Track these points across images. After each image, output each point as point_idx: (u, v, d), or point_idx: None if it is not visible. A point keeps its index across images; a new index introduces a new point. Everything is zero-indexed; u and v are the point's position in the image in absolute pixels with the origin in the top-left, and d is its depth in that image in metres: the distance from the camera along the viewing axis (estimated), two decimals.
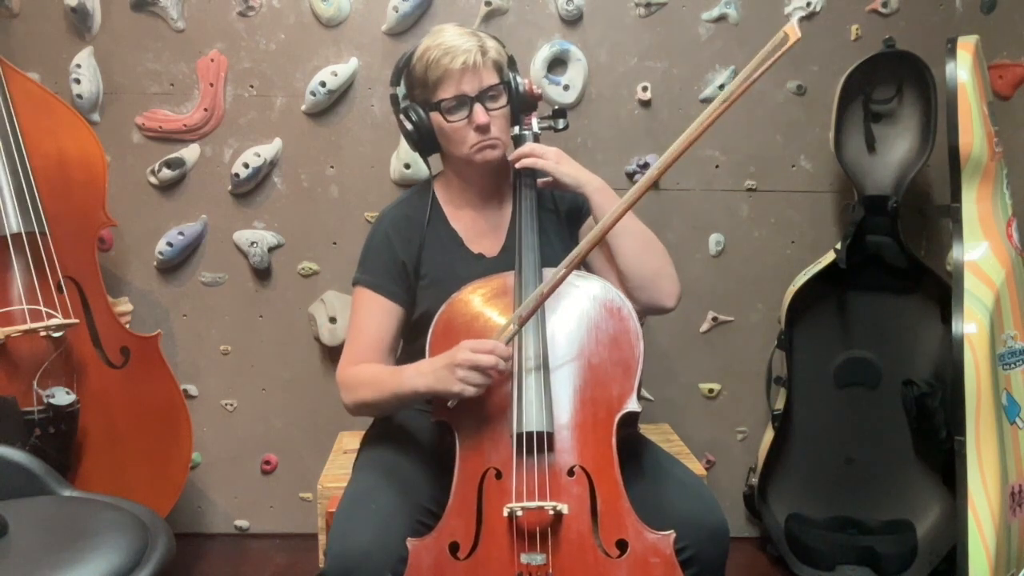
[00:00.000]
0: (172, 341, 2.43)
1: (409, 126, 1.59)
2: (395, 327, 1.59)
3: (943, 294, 2.17)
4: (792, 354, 2.32)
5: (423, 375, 1.40)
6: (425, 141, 1.60)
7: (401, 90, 1.63)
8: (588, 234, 1.62)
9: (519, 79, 1.61)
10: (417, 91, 1.57)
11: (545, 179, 1.59)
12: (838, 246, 2.23)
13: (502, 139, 1.57)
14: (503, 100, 1.55)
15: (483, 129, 1.52)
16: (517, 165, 1.58)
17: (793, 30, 1.15)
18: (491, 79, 1.53)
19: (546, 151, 1.57)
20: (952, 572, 1.91)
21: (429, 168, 1.69)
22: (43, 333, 1.92)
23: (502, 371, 1.36)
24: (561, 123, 1.69)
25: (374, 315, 1.58)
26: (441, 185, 1.69)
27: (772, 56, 1.18)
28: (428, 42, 1.54)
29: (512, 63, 1.63)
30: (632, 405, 1.40)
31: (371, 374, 1.51)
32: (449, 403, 1.38)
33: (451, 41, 1.51)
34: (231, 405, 2.48)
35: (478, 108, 1.51)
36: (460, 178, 1.65)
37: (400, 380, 1.44)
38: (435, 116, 1.55)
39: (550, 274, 1.50)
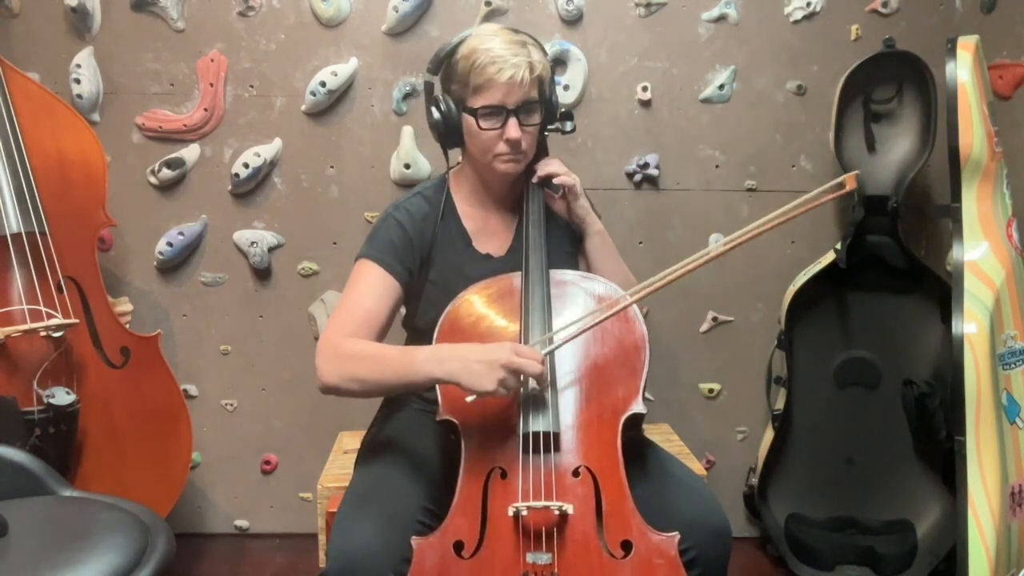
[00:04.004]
0: (172, 341, 2.42)
1: (437, 116, 1.57)
2: (391, 305, 1.55)
3: (943, 294, 2.17)
4: (792, 354, 2.32)
5: (444, 362, 1.34)
6: (450, 134, 1.59)
7: (435, 79, 1.61)
8: (582, 263, 1.71)
9: (555, 94, 1.62)
10: (455, 87, 1.56)
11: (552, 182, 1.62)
12: (838, 246, 2.23)
13: (528, 153, 1.57)
14: (538, 116, 1.56)
15: (514, 143, 1.52)
16: (556, 181, 1.61)
17: (852, 181, 1.24)
18: (532, 94, 1.52)
19: (573, 182, 1.63)
20: (952, 572, 1.91)
21: (447, 160, 1.69)
22: (43, 333, 1.92)
23: (541, 383, 1.36)
24: (569, 125, 1.69)
25: (373, 289, 1.54)
26: (457, 181, 1.69)
27: (822, 197, 1.25)
28: (476, 44, 1.51)
29: (553, 72, 1.63)
30: (638, 407, 1.40)
31: (373, 349, 1.45)
32: (468, 398, 1.33)
33: (501, 50, 1.49)
34: (231, 405, 2.48)
35: (512, 122, 1.51)
36: (478, 177, 1.65)
37: (411, 362, 1.37)
38: (467, 117, 1.54)
39: (556, 276, 1.52)
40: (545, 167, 1.62)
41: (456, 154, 1.69)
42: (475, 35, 1.54)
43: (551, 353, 1.40)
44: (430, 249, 1.61)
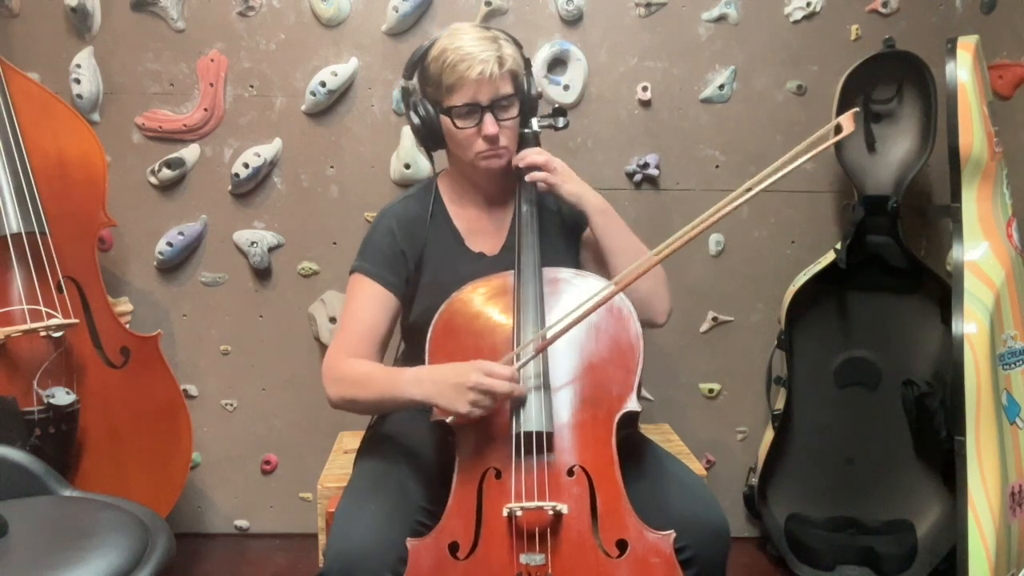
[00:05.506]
0: (172, 341, 2.43)
1: (416, 120, 1.58)
2: (390, 318, 1.58)
3: (943, 294, 2.17)
4: (792, 354, 2.32)
5: (422, 384, 1.39)
6: (431, 137, 1.59)
7: (413, 83, 1.62)
8: (587, 257, 1.68)
9: (533, 84, 1.60)
10: (429, 89, 1.56)
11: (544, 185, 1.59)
12: (838, 246, 2.23)
13: (509, 148, 1.57)
14: (515, 110, 1.55)
15: (492, 139, 1.52)
16: (527, 178, 1.58)
17: (849, 121, 1.14)
18: (506, 89, 1.52)
19: (556, 167, 1.57)
20: (952, 572, 1.91)
21: (432, 163, 1.69)
22: (43, 333, 1.92)
23: (515, 398, 1.35)
24: (561, 122, 1.68)
25: (370, 304, 1.57)
26: (445, 183, 1.69)
27: (820, 144, 1.17)
28: (446, 43, 1.51)
29: (528, 65, 1.62)
30: (632, 405, 1.40)
31: (363, 371, 1.48)
32: (448, 419, 1.37)
33: (469, 47, 1.48)
34: (231, 405, 2.48)
35: (488, 118, 1.51)
36: (465, 177, 1.65)
37: (396, 384, 1.42)
38: (444, 119, 1.54)
39: (550, 274, 1.51)
40: (522, 159, 1.58)
41: (440, 156, 1.68)
42: (445, 35, 1.54)
43: (537, 357, 1.39)
44: (421, 251, 1.61)
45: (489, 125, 1.50)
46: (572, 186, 1.58)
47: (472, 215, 1.66)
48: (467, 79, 1.48)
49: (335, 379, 1.50)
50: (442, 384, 1.36)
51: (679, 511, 1.39)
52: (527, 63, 1.62)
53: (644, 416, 2.45)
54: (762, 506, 2.35)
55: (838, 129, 1.19)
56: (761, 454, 2.35)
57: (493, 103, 1.50)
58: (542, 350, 1.39)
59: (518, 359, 1.38)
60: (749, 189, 1.27)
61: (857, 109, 1.20)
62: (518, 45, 1.58)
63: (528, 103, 1.59)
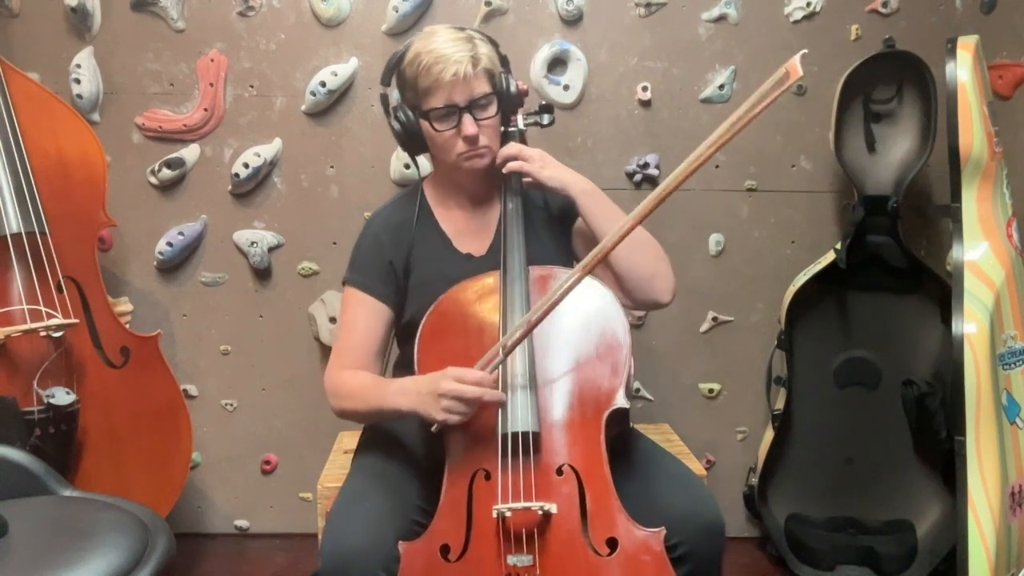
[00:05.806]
0: (172, 341, 2.42)
1: (397, 126, 1.59)
2: (384, 328, 1.60)
3: (943, 294, 2.17)
4: (792, 354, 2.32)
5: (407, 394, 1.40)
6: (413, 142, 1.59)
7: (392, 89, 1.62)
8: (580, 247, 1.65)
9: (511, 81, 1.59)
10: (408, 94, 1.56)
11: (528, 179, 1.58)
12: (838, 246, 2.23)
13: (491, 147, 1.56)
14: (493, 109, 1.54)
15: (471, 139, 1.52)
16: (503, 170, 1.57)
17: (795, 68, 1.10)
18: (482, 88, 1.51)
19: (531, 154, 1.56)
20: (952, 572, 1.91)
21: (417, 167, 1.70)
22: (43, 333, 1.92)
23: (489, 401, 1.35)
24: (546, 118, 1.68)
25: (363, 316, 1.58)
26: (431, 185, 1.69)
27: (772, 93, 1.13)
28: (420, 46, 1.51)
29: (505, 63, 1.62)
30: (621, 401, 1.39)
31: (356, 384, 1.51)
32: (432, 428, 1.37)
33: (443, 49, 1.48)
34: (231, 405, 2.48)
35: (467, 119, 1.50)
36: (449, 180, 1.65)
37: (384, 395, 1.45)
38: (424, 122, 1.54)
39: (537, 272, 1.50)
40: (504, 158, 1.57)
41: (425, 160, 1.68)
42: (419, 38, 1.54)
43: (505, 361, 1.38)
44: (408, 254, 1.61)
45: (468, 126, 1.50)
46: (552, 171, 1.56)
47: (458, 216, 1.66)
48: (442, 81, 1.47)
49: (334, 393, 1.53)
50: (422, 394, 1.37)
51: (672, 507, 1.38)
52: (504, 60, 1.62)
53: (644, 416, 2.46)
54: (762, 506, 2.35)
55: (785, 77, 1.13)
56: (761, 454, 2.35)
57: (471, 103, 1.50)
58: (511, 351, 1.37)
59: (503, 350, 1.36)
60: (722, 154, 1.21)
61: (805, 51, 1.14)
62: (494, 44, 1.58)
63: (507, 101, 1.58)
